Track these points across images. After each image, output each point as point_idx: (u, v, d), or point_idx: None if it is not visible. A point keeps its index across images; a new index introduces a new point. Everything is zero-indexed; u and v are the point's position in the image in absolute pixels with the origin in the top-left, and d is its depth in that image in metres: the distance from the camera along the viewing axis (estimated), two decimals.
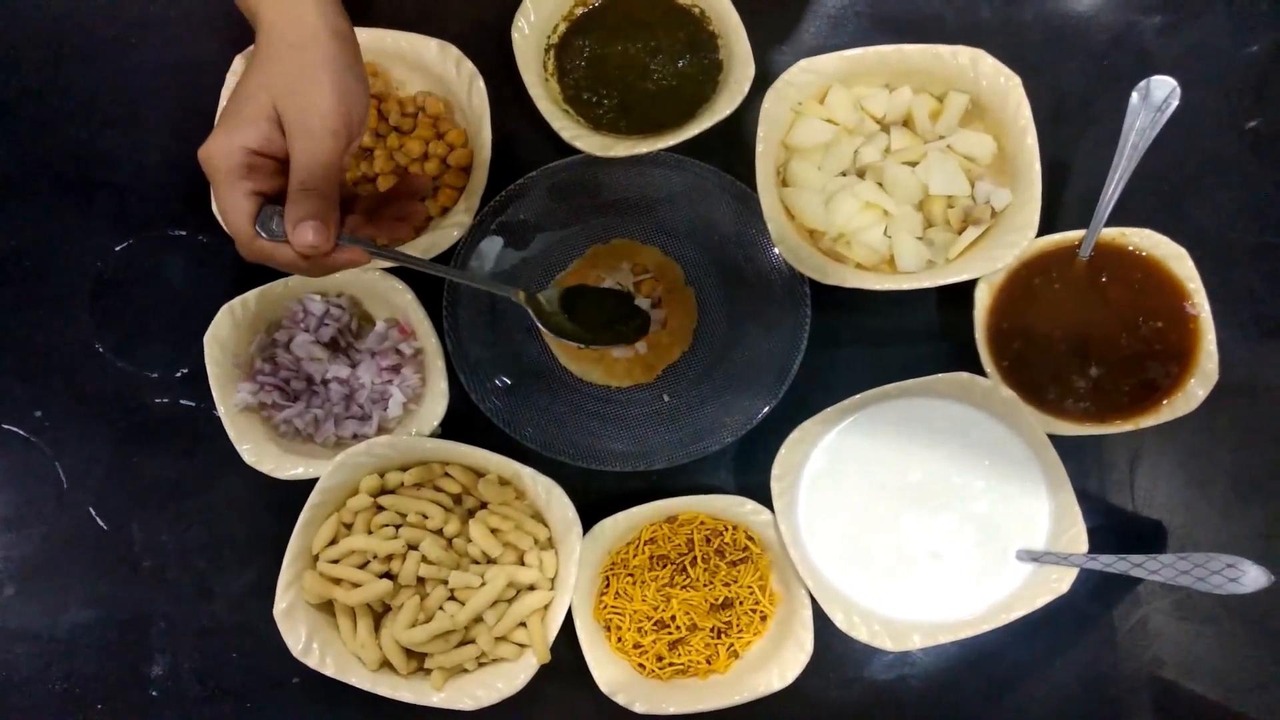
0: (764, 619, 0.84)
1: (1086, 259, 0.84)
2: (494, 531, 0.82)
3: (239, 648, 0.88)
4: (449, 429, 0.86)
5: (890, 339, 0.90)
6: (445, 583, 0.80)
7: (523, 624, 0.81)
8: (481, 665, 0.82)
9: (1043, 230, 0.81)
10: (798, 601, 0.82)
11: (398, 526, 0.81)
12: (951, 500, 0.83)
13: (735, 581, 0.84)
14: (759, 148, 0.83)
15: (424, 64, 0.88)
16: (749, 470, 0.88)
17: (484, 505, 0.84)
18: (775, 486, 0.82)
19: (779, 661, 0.81)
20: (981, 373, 0.83)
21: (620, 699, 0.80)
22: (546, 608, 0.82)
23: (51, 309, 0.91)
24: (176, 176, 0.92)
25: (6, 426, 0.90)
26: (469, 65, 0.86)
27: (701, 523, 0.84)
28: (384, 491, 0.83)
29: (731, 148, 0.87)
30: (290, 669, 0.84)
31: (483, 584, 0.80)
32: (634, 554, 0.84)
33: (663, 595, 0.83)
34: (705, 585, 0.83)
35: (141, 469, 0.89)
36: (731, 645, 0.84)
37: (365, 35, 0.86)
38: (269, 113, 0.62)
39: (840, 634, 0.80)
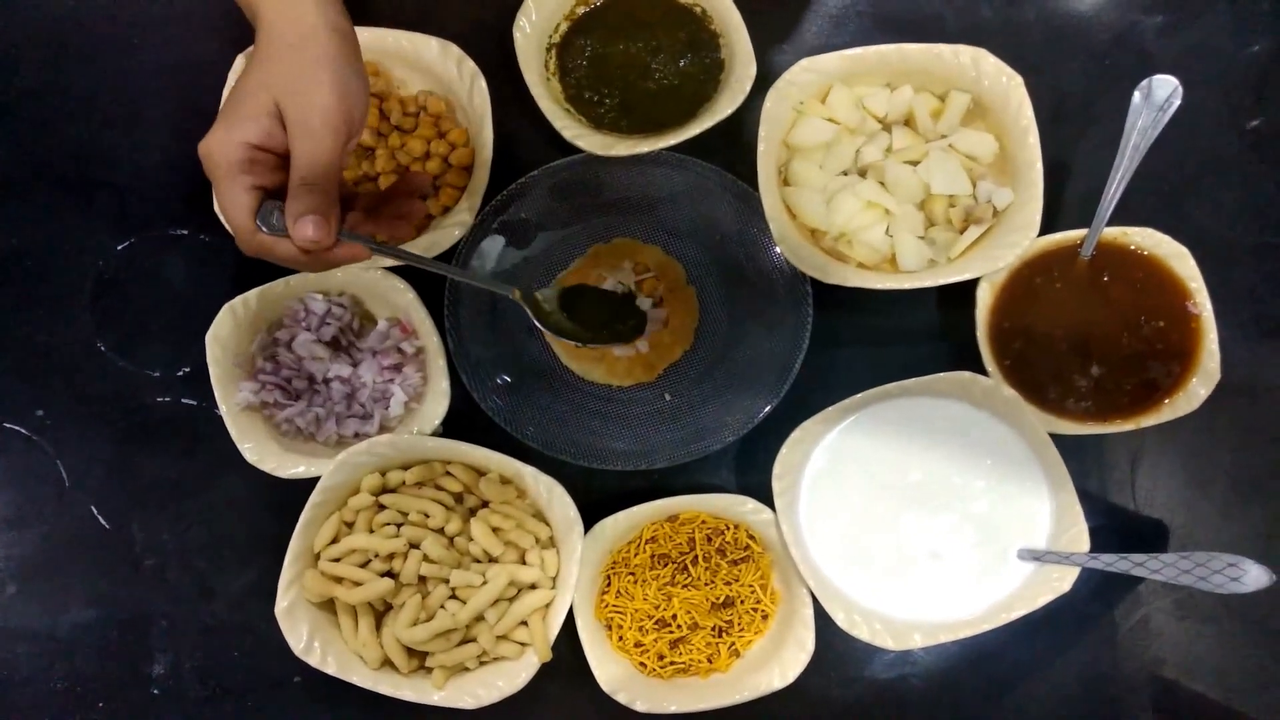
0: (765, 618, 0.84)
1: (1088, 258, 0.84)
2: (495, 530, 0.82)
3: (240, 647, 0.88)
4: (450, 428, 0.86)
5: (891, 338, 0.90)
6: (446, 581, 0.80)
7: (524, 623, 0.81)
8: (483, 664, 0.82)
9: (1044, 229, 0.81)
10: (799, 600, 0.82)
11: (399, 525, 0.81)
12: (952, 500, 0.83)
13: (736, 580, 0.84)
14: (760, 147, 0.83)
15: (425, 63, 0.88)
16: (750, 469, 0.88)
17: (485, 504, 0.84)
18: (776, 485, 0.82)
19: (780, 660, 0.81)
20: (983, 372, 0.83)
21: (621, 698, 0.81)
22: (548, 606, 0.82)
23: (52, 308, 0.91)
24: (177, 176, 0.92)
25: (8, 425, 0.90)
26: (470, 64, 0.86)
27: (703, 522, 0.84)
28: (385, 490, 0.83)
29: (733, 147, 0.87)
30: (291, 668, 0.84)
31: (484, 583, 0.80)
32: (635, 553, 0.84)
33: (664, 594, 0.83)
34: (706, 584, 0.83)
35: (143, 468, 0.89)
36: (733, 644, 0.84)
37: (366, 35, 0.86)
38: (270, 108, 0.62)
39: (841, 633, 0.80)
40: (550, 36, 0.89)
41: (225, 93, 0.86)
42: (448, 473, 0.84)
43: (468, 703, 0.80)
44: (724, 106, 0.84)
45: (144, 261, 0.91)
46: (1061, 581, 0.79)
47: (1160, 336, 0.83)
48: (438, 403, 0.85)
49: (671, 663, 0.83)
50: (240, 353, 0.85)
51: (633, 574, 0.84)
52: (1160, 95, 0.81)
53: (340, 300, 0.87)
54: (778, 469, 0.82)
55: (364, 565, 0.81)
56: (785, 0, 0.93)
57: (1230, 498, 0.87)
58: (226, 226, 0.85)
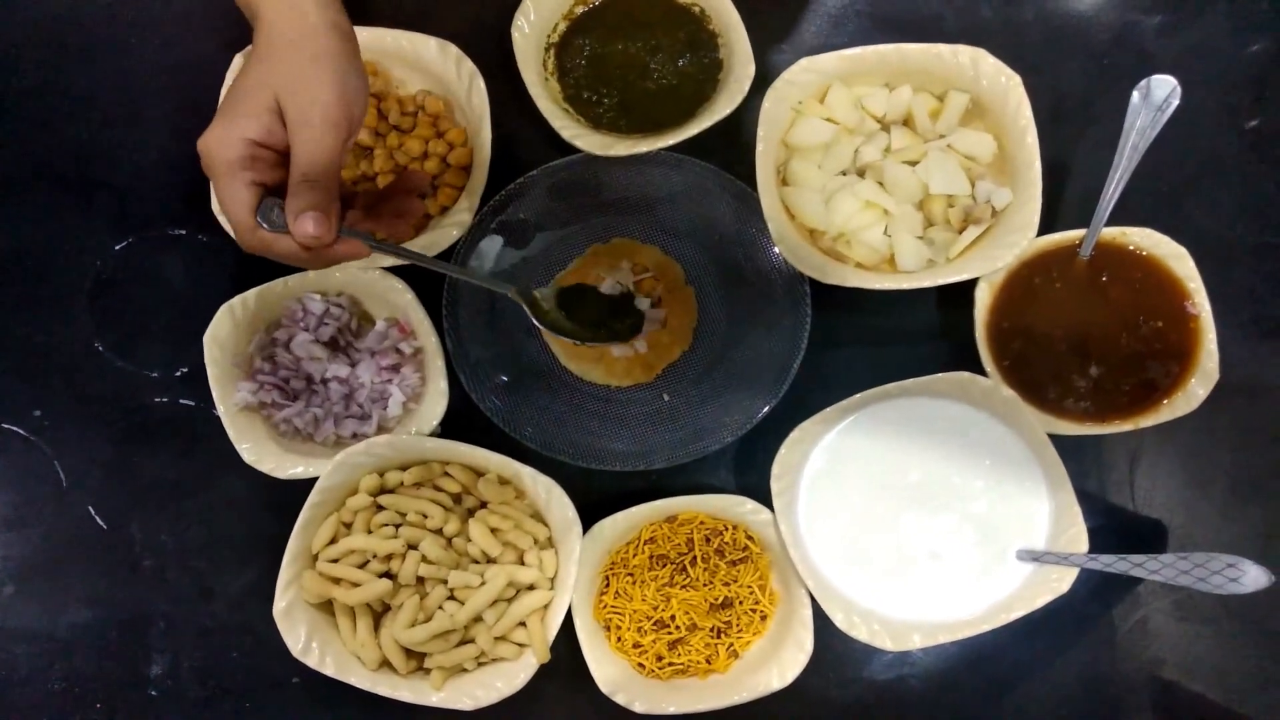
0: (764, 619, 0.84)
1: (1087, 258, 0.84)
2: (494, 531, 0.82)
3: (239, 647, 0.88)
4: (449, 428, 0.86)
5: (890, 338, 0.90)
6: (445, 582, 0.80)
7: (522, 623, 0.81)
8: (481, 665, 0.82)
9: (1043, 230, 0.81)
10: (797, 601, 0.82)
11: (397, 526, 0.81)
12: (951, 500, 0.83)
13: (735, 581, 0.84)
14: (759, 147, 0.83)
15: (424, 63, 0.88)
16: (749, 470, 0.88)
17: (484, 505, 0.84)
18: (775, 486, 0.82)
19: (779, 661, 0.81)
20: (982, 372, 0.83)
21: (620, 699, 0.80)
22: (546, 607, 0.82)
23: (51, 308, 0.91)
24: (176, 176, 0.92)
25: (6, 426, 0.90)
26: (469, 64, 0.86)
27: (701, 522, 0.84)
28: (384, 491, 0.83)
29: (731, 147, 0.87)
30: (290, 669, 0.84)
31: (482, 583, 0.80)
32: (634, 553, 0.84)
33: (662, 595, 0.83)
34: (705, 585, 0.83)
35: (141, 468, 0.89)
36: (731, 645, 0.84)
37: (365, 34, 0.86)
38: (271, 105, 0.63)
39: (840, 634, 0.80)
40: (549, 36, 0.89)
41: (223, 92, 0.86)
42: (446, 473, 0.84)
43: (466, 704, 0.80)
44: (723, 106, 0.84)
45: (142, 261, 0.91)
46: (1060, 582, 0.79)
47: (1159, 337, 0.83)
48: (436, 403, 0.85)
49: (670, 663, 0.83)
50: (238, 353, 0.85)
51: (631, 575, 0.84)
52: (1159, 95, 0.81)
53: (338, 300, 0.87)
54: (776, 469, 0.82)
55: (362, 566, 0.81)
56: (784, 0, 0.93)
57: (1229, 498, 0.87)
58: (224, 225, 0.85)
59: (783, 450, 0.82)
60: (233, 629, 0.88)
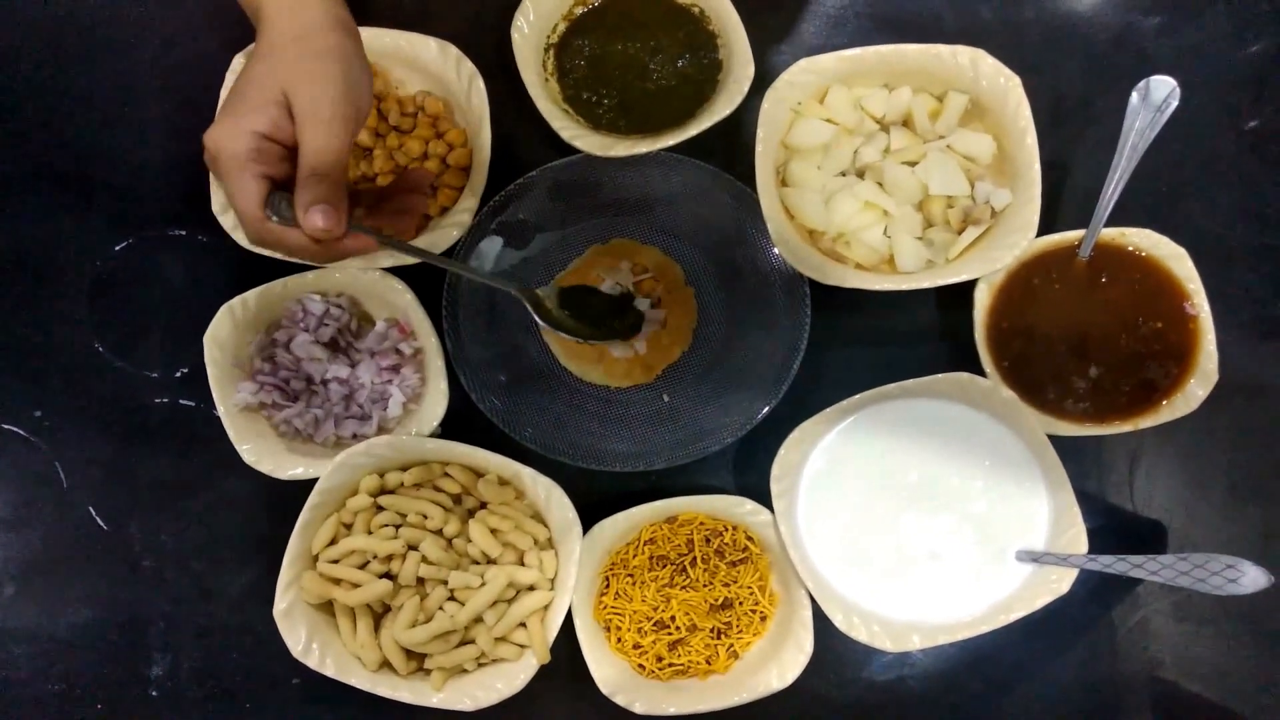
0: (763, 619, 0.84)
1: (1086, 259, 0.84)
2: (494, 532, 0.82)
3: (238, 648, 0.88)
4: (449, 429, 0.86)
5: (890, 339, 0.90)
6: (445, 583, 0.80)
7: (522, 624, 0.81)
8: (481, 666, 0.82)
9: (1042, 230, 0.81)
10: (797, 602, 0.82)
11: (397, 527, 0.81)
12: (951, 501, 0.83)
13: (735, 582, 0.84)
14: (759, 148, 0.83)
15: (423, 63, 0.88)
16: (749, 470, 0.88)
17: (484, 505, 0.84)
18: (775, 487, 0.82)
19: (778, 662, 0.81)
20: (981, 373, 0.83)
21: (620, 699, 0.80)
22: (546, 608, 0.82)
23: (51, 309, 0.91)
24: (176, 176, 0.91)
25: (6, 426, 0.90)
26: (469, 65, 0.86)
27: (701, 523, 0.84)
28: (384, 492, 0.83)
29: (731, 147, 0.87)
30: (290, 669, 0.84)
31: (482, 584, 0.80)
32: (634, 554, 0.84)
33: (662, 596, 0.83)
34: (705, 586, 0.83)
35: (141, 469, 0.89)
36: (731, 646, 0.84)
37: (365, 34, 0.86)
38: (278, 98, 0.62)
39: (840, 635, 0.80)
40: (548, 37, 0.89)
41: (223, 93, 0.86)
42: (446, 474, 0.84)
43: (466, 704, 0.80)
44: (722, 107, 0.84)
45: (143, 262, 0.91)
46: (1060, 583, 0.79)
47: (1158, 337, 0.83)
48: (436, 404, 0.85)
49: (670, 664, 0.83)
50: (238, 353, 0.85)
51: (631, 575, 0.84)
52: (1158, 96, 0.81)
53: (338, 301, 0.87)
54: (776, 470, 0.82)
55: (362, 567, 0.81)
56: (783, 1, 0.93)
57: (1228, 499, 0.87)
58: (225, 225, 0.85)
59: (782, 451, 0.82)
60: (232, 630, 0.88)
